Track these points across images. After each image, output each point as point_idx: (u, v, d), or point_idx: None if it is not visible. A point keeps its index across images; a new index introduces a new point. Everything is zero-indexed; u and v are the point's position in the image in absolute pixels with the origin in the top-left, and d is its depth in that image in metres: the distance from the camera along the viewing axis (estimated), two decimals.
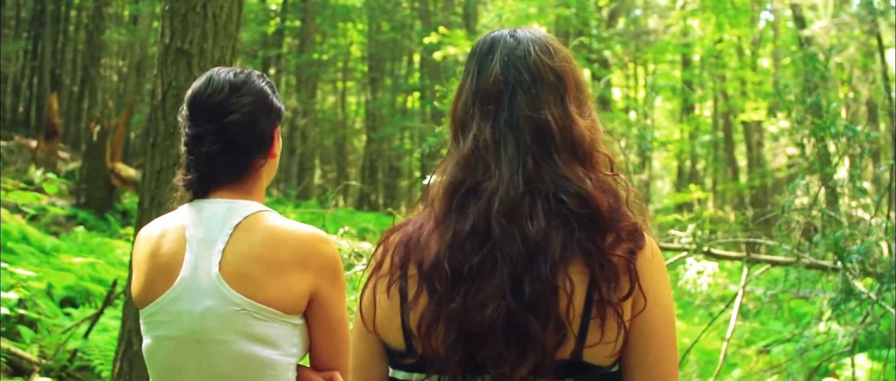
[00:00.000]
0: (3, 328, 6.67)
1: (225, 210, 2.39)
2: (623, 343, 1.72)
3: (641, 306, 1.72)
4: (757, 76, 25.82)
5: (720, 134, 29.63)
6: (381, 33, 29.43)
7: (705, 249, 5.38)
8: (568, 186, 1.72)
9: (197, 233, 2.37)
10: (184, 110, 2.48)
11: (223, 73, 2.48)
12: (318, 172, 33.85)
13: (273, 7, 30.49)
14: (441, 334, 1.70)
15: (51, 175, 8.02)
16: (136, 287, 2.44)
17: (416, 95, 30.40)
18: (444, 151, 5.01)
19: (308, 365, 2.49)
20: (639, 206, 1.82)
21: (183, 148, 2.47)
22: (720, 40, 25.74)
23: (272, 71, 30.01)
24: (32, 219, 12.32)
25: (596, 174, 1.76)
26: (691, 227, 5.57)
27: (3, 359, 6.21)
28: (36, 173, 16.88)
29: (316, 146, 31.93)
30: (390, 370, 1.85)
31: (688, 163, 32.70)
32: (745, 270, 5.59)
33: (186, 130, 2.46)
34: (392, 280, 1.79)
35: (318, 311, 2.39)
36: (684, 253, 5.35)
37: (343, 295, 2.44)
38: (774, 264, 5.52)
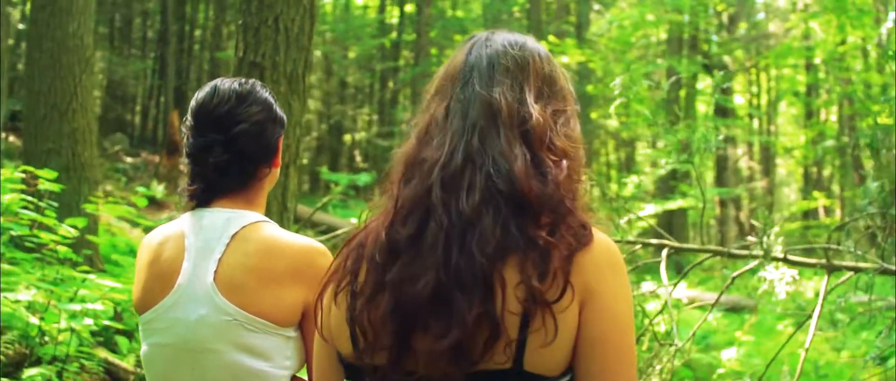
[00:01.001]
0: (102, 339, 6.88)
1: (224, 220, 2.39)
2: (570, 352, 1.63)
3: (578, 309, 1.62)
4: (883, 78, 24.96)
5: (846, 139, 28.70)
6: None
7: (780, 255, 5.20)
8: (502, 164, 1.66)
9: (196, 242, 2.38)
10: (188, 120, 2.48)
11: (227, 83, 2.48)
12: None
13: (391, 21, 30.84)
14: (380, 307, 1.64)
15: (143, 189, 8.24)
16: (136, 294, 2.46)
17: None
18: None
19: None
20: (590, 207, 1.75)
21: (186, 158, 2.47)
22: (843, 42, 24.97)
23: (390, 84, 30.36)
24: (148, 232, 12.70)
25: (543, 162, 1.70)
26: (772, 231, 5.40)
27: (101, 368, 6.40)
28: (158, 188, 17.47)
29: None
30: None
31: (814, 169, 31.78)
32: (826, 277, 5.39)
33: (190, 139, 2.45)
34: (341, 286, 1.75)
35: (312, 324, 2.31)
36: (755, 262, 5.18)
37: None
38: (856, 270, 5.31)
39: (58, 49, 8.96)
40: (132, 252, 10.44)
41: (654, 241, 5.75)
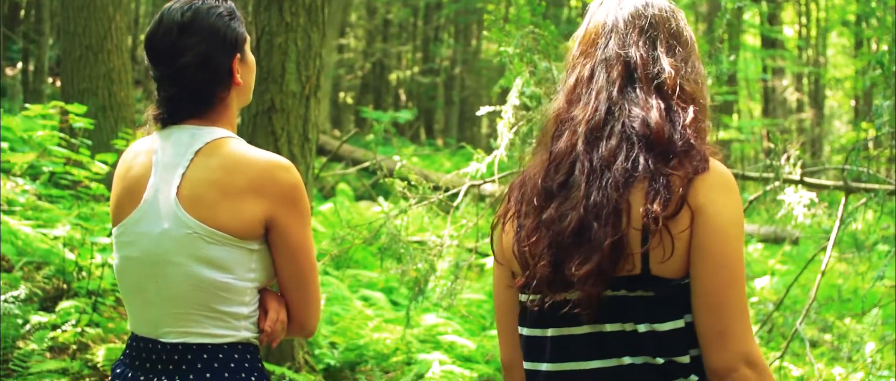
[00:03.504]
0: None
1: (190, 136, 2.43)
2: (686, 257, 1.94)
3: (690, 223, 1.92)
4: None
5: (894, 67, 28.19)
6: None
7: (796, 178, 5.19)
8: (637, 114, 1.98)
9: (162, 158, 2.43)
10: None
11: (174, 10, 2.47)
12: (484, 122, 33.99)
13: None
14: (538, 243, 2.01)
15: None
16: (111, 207, 2.55)
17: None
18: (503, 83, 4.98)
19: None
20: (714, 146, 2.07)
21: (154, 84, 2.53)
22: None
23: (434, 21, 30.19)
24: None
25: (673, 109, 2.01)
26: (790, 153, 5.39)
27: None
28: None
29: (477, 95, 32.03)
30: (520, 295, 2.14)
31: (863, 100, 31.25)
32: (843, 199, 5.37)
33: (150, 71, 2.51)
34: (507, 216, 2.13)
35: (276, 238, 2.42)
36: (769, 186, 5.17)
37: (304, 222, 2.46)
38: (874, 192, 5.28)
39: None
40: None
41: None
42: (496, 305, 2.26)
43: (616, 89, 2.02)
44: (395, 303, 8.59)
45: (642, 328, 1.95)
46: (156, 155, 2.45)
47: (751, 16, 27.15)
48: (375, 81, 29.79)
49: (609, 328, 1.97)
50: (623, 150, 1.95)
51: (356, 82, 29.06)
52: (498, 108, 5.21)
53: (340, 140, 16.11)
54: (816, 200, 5.53)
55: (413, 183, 4.98)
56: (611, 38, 2.08)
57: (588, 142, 1.99)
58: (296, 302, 2.51)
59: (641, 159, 1.93)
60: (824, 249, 5.82)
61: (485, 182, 5.38)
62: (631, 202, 1.91)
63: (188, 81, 2.44)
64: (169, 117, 2.48)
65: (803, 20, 32.16)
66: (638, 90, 2.02)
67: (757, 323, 7.13)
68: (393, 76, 30.74)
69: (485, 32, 28.89)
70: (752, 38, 28.42)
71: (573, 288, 1.94)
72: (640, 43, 2.07)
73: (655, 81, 2.03)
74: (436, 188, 5.20)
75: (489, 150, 5.43)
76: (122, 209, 2.48)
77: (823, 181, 5.50)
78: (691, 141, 1.97)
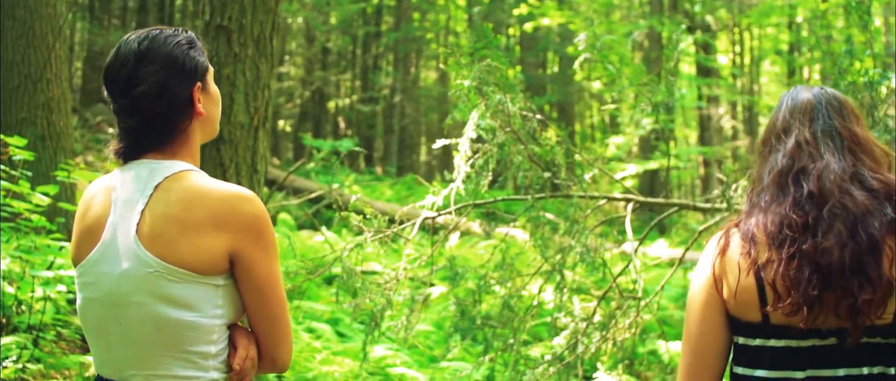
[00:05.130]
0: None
1: (149, 171, 2.38)
2: None
3: None
4: (866, 36, 24.93)
5: None
6: (481, 6, 29.34)
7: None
8: (871, 175, 2.33)
9: (121, 194, 2.38)
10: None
11: (131, 41, 2.44)
12: (423, 150, 34.02)
13: None
14: (795, 267, 2.23)
15: None
16: (71, 248, 2.48)
17: (518, 68, 30.22)
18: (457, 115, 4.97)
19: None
20: None
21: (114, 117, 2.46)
22: (825, 0, 24.95)
23: (373, 50, 30.23)
24: None
25: (888, 173, 2.38)
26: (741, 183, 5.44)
27: (77, 336, 6.41)
28: None
29: (417, 123, 32.06)
30: (741, 339, 2.38)
31: None
32: None
33: (110, 104, 2.46)
34: (746, 262, 2.32)
35: (242, 272, 2.36)
36: (719, 217, 5.24)
37: (270, 254, 2.39)
38: None
39: (30, 17, 8.90)
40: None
41: (618, 195, 5.79)
42: (700, 350, 2.41)
43: (848, 153, 2.37)
44: (341, 335, 8.51)
45: (893, 370, 2.25)
46: (115, 192, 2.40)
47: (686, 45, 27.54)
48: (315, 108, 29.68)
49: (866, 370, 2.25)
50: (872, 201, 2.27)
51: (295, 110, 28.93)
52: (454, 141, 5.19)
53: (282, 169, 16.01)
54: None
55: (368, 216, 4.94)
56: (826, 112, 2.44)
57: (838, 189, 2.28)
58: (266, 337, 2.44)
59: (889, 211, 2.26)
60: None
61: (440, 214, 5.36)
62: (893, 248, 2.22)
63: (146, 112, 2.38)
64: (128, 151, 2.43)
65: (737, 49, 32.72)
66: (862, 156, 2.38)
67: None
68: (332, 104, 30.66)
69: (423, 61, 28.87)
70: (687, 67, 28.81)
71: (832, 322, 2.23)
72: (850, 119, 2.45)
73: (869, 151, 2.40)
74: (391, 221, 5.16)
75: (428, 178, 5.43)
76: (82, 249, 2.42)
77: None
78: None
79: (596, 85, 28.06)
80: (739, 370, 2.38)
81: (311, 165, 19.42)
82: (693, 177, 28.07)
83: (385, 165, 27.23)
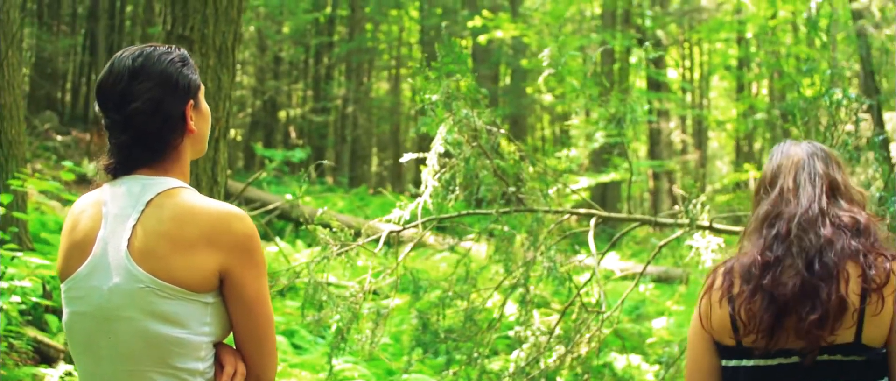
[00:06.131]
0: (31, 317, 6.79)
1: (140, 187, 2.38)
2: (888, 329, 2.50)
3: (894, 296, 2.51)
4: (813, 53, 25.31)
5: (776, 112, 29.13)
6: (433, 18, 29.40)
7: (706, 223, 5.30)
8: (842, 212, 2.64)
9: (112, 209, 2.37)
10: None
11: (125, 57, 2.44)
12: (374, 161, 33.99)
13: None
14: (757, 303, 2.54)
15: (71, 164, 8.14)
16: (58, 262, 2.47)
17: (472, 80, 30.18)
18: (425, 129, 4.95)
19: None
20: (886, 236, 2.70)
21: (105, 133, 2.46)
22: (774, 16, 25.30)
23: (325, 60, 30.15)
24: None
25: (860, 211, 2.68)
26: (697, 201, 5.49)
27: (30, 348, 6.33)
28: (89, 166, 17.19)
29: (369, 134, 32.03)
30: (723, 361, 2.68)
31: (745, 142, 32.20)
32: None
33: (102, 119, 2.46)
34: (722, 295, 2.64)
35: (231, 290, 2.37)
36: (680, 232, 5.28)
37: (259, 273, 2.41)
38: None
39: None
40: (61, 229, 10.27)
41: (582, 210, 5.82)
42: (693, 369, 2.76)
43: (823, 195, 2.66)
44: (296, 347, 8.47)
45: None
46: (105, 207, 2.39)
47: (637, 59, 27.81)
48: (266, 118, 29.53)
49: None
50: (840, 236, 2.55)
51: (246, 120, 28.74)
52: (422, 154, 5.20)
53: (234, 179, 15.90)
54: (723, 245, 5.64)
55: (335, 229, 4.93)
56: (806, 164, 2.73)
57: (802, 228, 2.58)
58: (253, 356, 2.45)
59: (851, 243, 2.54)
60: None
61: (405, 228, 5.36)
62: (848, 272, 2.50)
63: (139, 128, 2.39)
64: (119, 167, 2.43)
65: (687, 63, 33.05)
66: (836, 197, 2.69)
67: (661, 365, 7.20)
68: (282, 114, 30.53)
69: (375, 72, 28.84)
70: (639, 81, 29.07)
71: (790, 342, 2.52)
72: (826, 166, 2.74)
73: (842, 191, 2.71)
74: (357, 234, 5.15)
75: (377, 188, 5.44)
76: (70, 264, 2.41)
77: (731, 227, 5.61)
78: (875, 233, 2.62)
79: (548, 98, 28.23)
80: None
81: (263, 175, 19.32)
82: (642, 190, 28.28)
83: (337, 175, 27.14)
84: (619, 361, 8.80)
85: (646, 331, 10.69)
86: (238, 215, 2.38)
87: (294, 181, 20.25)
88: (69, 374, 6.24)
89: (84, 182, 15.15)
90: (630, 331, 9.86)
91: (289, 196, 17.32)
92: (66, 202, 13.02)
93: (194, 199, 2.38)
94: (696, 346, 2.75)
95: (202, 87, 2.58)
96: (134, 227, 2.33)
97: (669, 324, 11.18)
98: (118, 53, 2.48)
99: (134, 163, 2.42)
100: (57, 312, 7.28)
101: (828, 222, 2.61)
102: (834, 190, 2.72)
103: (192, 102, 2.49)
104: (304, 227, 4.99)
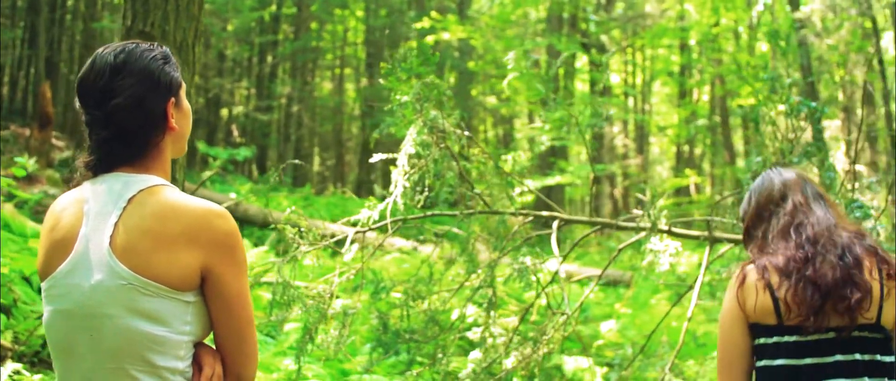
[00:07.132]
0: None
1: (122, 184, 2.37)
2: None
3: None
4: (754, 60, 25.72)
5: (717, 118, 29.54)
6: (379, 19, 29.36)
7: (665, 227, 5.36)
8: (849, 225, 3.24)
9: (94, 206, 2.36)
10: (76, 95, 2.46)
11: (107, 53, 2.42)
12: (317, 160, 33.85)
13: None
14: (801, 289, 3.02)
15: (20, 160, 8.02)
16: (38, 260, 2.44)
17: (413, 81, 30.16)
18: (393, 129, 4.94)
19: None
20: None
21: (85, 130, 2.45)
22: (716, 24, 25.66)
23: (269, 58, 29.98)
24: (19, 206, 12.32)
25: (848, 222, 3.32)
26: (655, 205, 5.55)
27: None
28: (29, 162, 16.86)
29: (312, 133, 31.90)
30: (762, 339, 3.12)
31: (686, 147, 32.60)
32: (707, 249, 5.58)
33: (82, 115, 2.44)
34: (765, 285, 3.09)
35: (212, 288, 2.36)
36: (642, 233, 5.34)
37: (240, 271, 2.40)
38: (736, 242, 5.51)
39: None
40: (6, 227, 10.10)
41: (545, 213, 5.87)
42: (728, 348, 3.18)
43: (832, 210, 3.25)
44: None
45: (878, 357, 3.04)
46: (87, 204, 2.38)
47: (581, 64, 28.04)
48: (209, 116, 29.27)
49: (858, 356, 3.02)
50: (854, 237, 3.13)
51: None
52: (393, 155, 5.20)
53: (198, 183, 15.71)
54: (681, 248, 5.71)
55: (303, 230, 4.91)
56: (805, 185, 3.30)
57: (825, 234, 3.12)
58: (233, 355, 2.45)
59: (867, 242, 3.13)
60: (681, 296, 6.02)
61: (369, 229, 5.35)
62: (869, 265, 3.05)
63: (120, 124, 2.38)
64: (100, 164, 2.41)
65: (629, 68, 33.39)
66: (841, 214, 3.31)
67: (612, 367, 7.27)
68: (224, 111, 30.29)
69: (319, 72, 28.68)
70: (581, 85, 29.30)
71: (832, 322, 3.00)
72: (820, 189, 3.34)
73: (835, 207, 3.31)
74: (323, 236, 5.14)
75: (322, 188, 5.43)
76: (50, 262, 2.38)
77: (690, 232, 5.69)
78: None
79: (491, 100, 28.34)
80: (761, 364, 3.14)
81: (208, 173, 19.16)
82: (584, 194, 28.53)
83: (282, 175, 26.93)
84: (569, 362, 8.87)
85: (595, 333, 10.79)
86: (220, 213, 2.37)
87: (238, 180, 20.14)
88: (17, 373, 6.15)
89: (26, 179, 14.89)
90: (580, 333, 9.93)
91: (233, 195, 17.19)
92: (10, 198, 12.80)
93: (176, 196, 2.37)
94: (733, 328, 3.18)
95: (184, 84, 2.56)
96: (116, 224, 2.31)
97: (617, 326, 11.29)
98: (100, 50, 2.46)
99: (115, 160, 2.41)
100: (6, 310, 7.17)
101: (841, 227, 3.19)
102: (831, 207, 3.30)
103: (173, 99, 2.48)
104: (248, 227, 4.95)
